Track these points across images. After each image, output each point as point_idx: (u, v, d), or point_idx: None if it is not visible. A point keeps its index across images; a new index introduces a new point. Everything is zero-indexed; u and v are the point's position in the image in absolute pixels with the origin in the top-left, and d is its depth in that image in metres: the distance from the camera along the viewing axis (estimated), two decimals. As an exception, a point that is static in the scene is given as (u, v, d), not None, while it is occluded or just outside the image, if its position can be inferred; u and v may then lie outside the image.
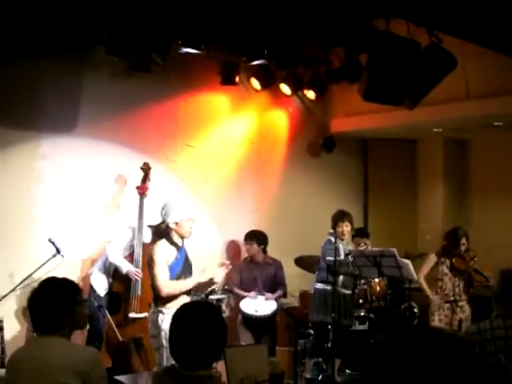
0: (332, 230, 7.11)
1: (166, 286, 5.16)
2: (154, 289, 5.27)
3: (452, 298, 7.35)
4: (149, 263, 5.34)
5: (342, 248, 7.13)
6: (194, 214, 5.52)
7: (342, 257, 7.03)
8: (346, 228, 7.17)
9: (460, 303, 7.35)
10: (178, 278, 5.27)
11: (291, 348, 6.87)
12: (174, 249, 5.31)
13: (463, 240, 7.34)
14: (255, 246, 7.63)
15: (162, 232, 5.66)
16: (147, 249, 6.53)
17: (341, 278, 7.03)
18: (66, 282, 3.37)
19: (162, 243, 5.33)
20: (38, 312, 3.26)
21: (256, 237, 7.68)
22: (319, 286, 7.16)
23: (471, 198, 9.07)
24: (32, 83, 6.57)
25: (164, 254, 5.24)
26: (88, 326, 6.48)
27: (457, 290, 7.35)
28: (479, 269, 7.33)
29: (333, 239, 7.07)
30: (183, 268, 5.34)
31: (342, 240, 7.10)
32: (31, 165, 6.67)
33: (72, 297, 3.31)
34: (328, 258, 7.07)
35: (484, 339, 3.65)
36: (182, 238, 5.42)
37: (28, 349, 3.42)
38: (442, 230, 8.27)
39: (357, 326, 7.09)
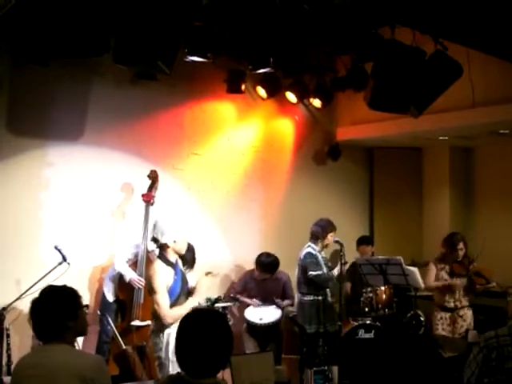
0: (338, 239, 7.18)
1: (170, 316, 5.03)
2: (157, 315, 5.15)
3: (452, 305, 7.34)
4: (149, 289, 5.25)
5: (322, 259, 7.22)
6: (183, 230, 5.40)
7: (324, 269, 7.12)
8: (332, 238, 7.29)
9: (461, 312, 7.34)
10: (179, 297, 5.17)
11: (297, 356, 6.86)
12: (170, 269, 5.18)
13: (460, 245, 7.36)
14: (266, 273, 7.58)
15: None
16: (151, 257, 6.56)
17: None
18: (66, 288, 3.41)
19: (160, 268, 5.16)
20: (42, 319, 3.27)
21: (267, 265, 7.53)
22: (308, 297, 7.23)
23: (477, 206, 9.06)
24: (39, 91, 6.61)
25: (164, 281, 5.11)
26: (99, 328, 6.56)
27: (457, 295, 7.35)
28: (481, 271, 7.33)
29: (313, 251, 7.15)
30: (182, 285, 5.26)
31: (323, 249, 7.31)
32: (38, 172, 6.70)
33: (74, 301, 3.35)
34: (311, 272, 7.10)
35: (502, 344, 3.73)
36: (178, 254, 5.34)
37: (34, 356, 3.43)
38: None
39: (363, 335, 7.08)
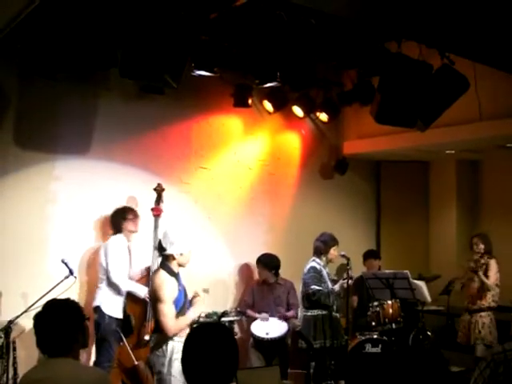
0: (344, 253, 7.14)
1: (174, 327, 4.95)
2: (161, 326, 5.03)
3: (466, 305, 7.28)
4: (154, 298, 5.11)
5: (327, 273, 7.17)
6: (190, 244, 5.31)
7: (329, 283, 7.07)
8: (335, 252, 7.23)
9: (474, 317, 7.21)
10: (181, 309, 5.09)
11: (304, 371, 6.83)
12: (174, 280, 5.09)
13: (474, 239, 7.37)
14: (266, 271, 7.59)
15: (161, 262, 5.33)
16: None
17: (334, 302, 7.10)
18: (70, 301, 3.39)
19: (167, 278, 5.06)
20: (51, 333, 3.24)
21: (267, 261, 7.58)
22: (312, 312, 7.13)
23: (484, 219, 9.03)
24: (47, 105, 6.64)
25: (173, 292, 5.03)
26: (96, 353, 6.49)
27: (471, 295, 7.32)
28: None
29: (317, 266, 7.12)
30: (185, 297, 5.21)
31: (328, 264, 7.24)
32: (46, 186, 6.72)
33: (81, 313, 3.34)
34: (313, 287, 7.05)
35: (509, 359, 3.70)
36: (181, 266, 5.24)
37: (39, 370, 3.41)
38: (455, 251, 8.24)
39: (370, 349, 7.05)
